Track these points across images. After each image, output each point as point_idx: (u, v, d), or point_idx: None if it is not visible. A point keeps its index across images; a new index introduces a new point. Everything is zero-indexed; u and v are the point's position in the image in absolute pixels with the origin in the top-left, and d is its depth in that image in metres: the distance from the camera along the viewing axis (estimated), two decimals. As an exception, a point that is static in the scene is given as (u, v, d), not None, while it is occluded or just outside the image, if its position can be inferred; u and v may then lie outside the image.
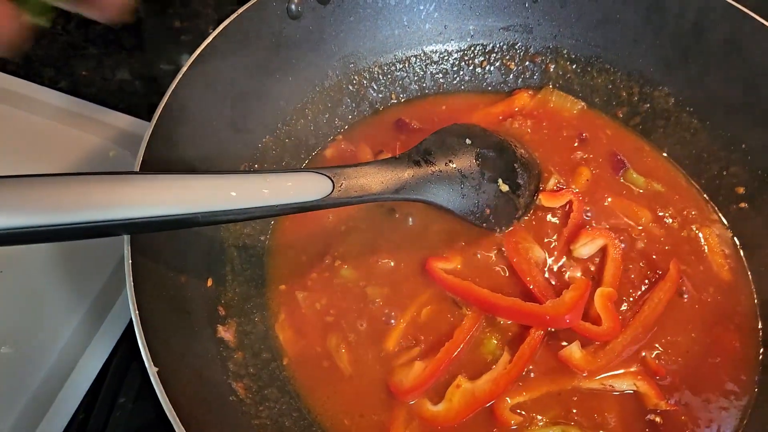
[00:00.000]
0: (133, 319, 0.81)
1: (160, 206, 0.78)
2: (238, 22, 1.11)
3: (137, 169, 0.89)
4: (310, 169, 0.95)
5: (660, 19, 1.27)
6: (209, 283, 1.04)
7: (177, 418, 0.76)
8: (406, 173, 1.05)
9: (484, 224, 1.16)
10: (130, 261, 0.84)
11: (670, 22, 1.27)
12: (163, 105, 0.98)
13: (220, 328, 1.02)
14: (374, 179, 1.00)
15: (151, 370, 0.78)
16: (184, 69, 1.03)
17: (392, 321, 1.09)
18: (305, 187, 0.92)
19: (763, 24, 1.15)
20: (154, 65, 1.59)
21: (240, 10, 1.10)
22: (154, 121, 0.96)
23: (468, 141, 1.15)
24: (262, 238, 1.17)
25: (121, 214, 0.75)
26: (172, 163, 0.99)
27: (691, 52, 1.27)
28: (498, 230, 1.18)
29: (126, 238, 0.84)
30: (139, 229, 0.81)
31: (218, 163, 1.10)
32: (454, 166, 1.11)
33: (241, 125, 1.17)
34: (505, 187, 1.16)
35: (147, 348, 0.79)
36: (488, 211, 1.15)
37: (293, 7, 1.20)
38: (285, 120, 1.25)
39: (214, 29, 1.07)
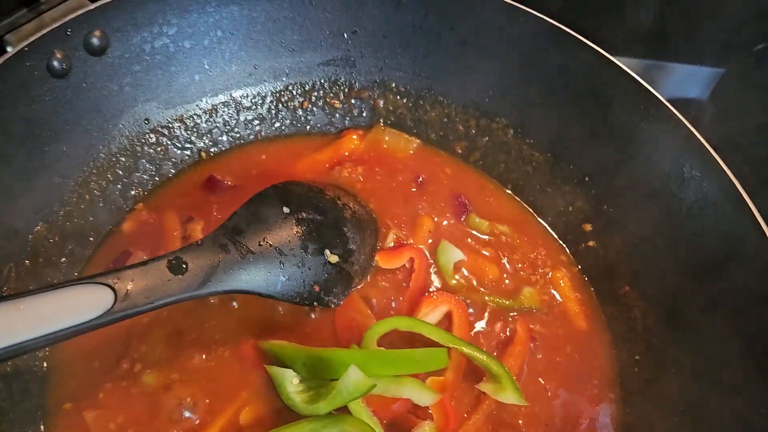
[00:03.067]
0: None
1: None
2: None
3: None
4: (83, 280, 0.76)
5: (490, 46, 1.15)
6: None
7: None
8: (211, 261, 0.87)
9: (315, 303, 1.00)
10: None
11: (500, 49, 1.15)
12: None
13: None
14: (169, 277, 0.82)
15: None
16: None
17: (199, 422, 0.92)
18: (79, 304, 0.74)
19: (596, 50, 1.06)
20: None
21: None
22: None
23: (285, 209, 0.99)
24: (39, 354, 0.95)
25: None
26: None
27: (525, 80, 1.17)
28: (333, 305, 1.02)
29: None
30: None
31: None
32: (270, 243, 0.95)
33: (1, 216, 0.94)
34: (334, 258, 1.02)
35: None
36: (317, 288, 0.99)
37: (56, 63, 0.98)
38: (63, 199, 1.03)
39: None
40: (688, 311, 1.01)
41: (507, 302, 1.10)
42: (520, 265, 1.14)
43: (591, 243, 1.16)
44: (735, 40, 1.57)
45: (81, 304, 0.74)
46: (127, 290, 0.77)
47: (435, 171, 1.24)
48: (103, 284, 0.76)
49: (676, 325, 1.03)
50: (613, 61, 1.07)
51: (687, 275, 1.03)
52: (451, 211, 1.19)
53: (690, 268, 1.03)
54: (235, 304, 1.03)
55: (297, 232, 0.98)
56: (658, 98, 1.03)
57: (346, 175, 1.19)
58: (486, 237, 1.17)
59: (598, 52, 1.08)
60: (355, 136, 1.24)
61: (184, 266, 0.84)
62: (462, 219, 1.18)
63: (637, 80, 1.05)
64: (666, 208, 1.06)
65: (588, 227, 1.16)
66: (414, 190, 1.21)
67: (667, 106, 1.03)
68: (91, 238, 1.07)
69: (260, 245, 0.94)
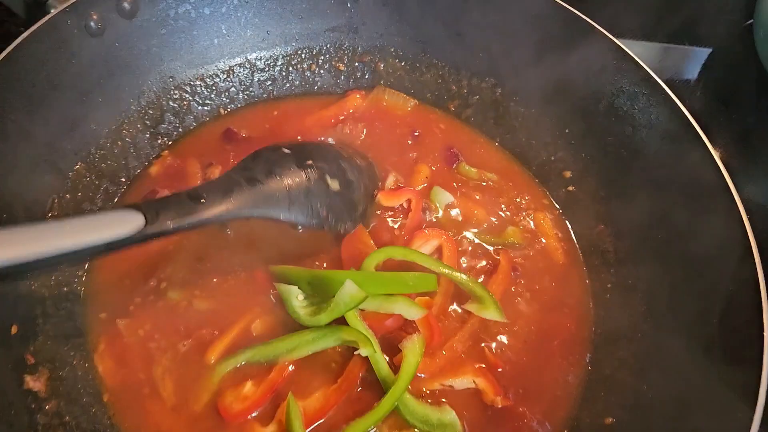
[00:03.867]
0: None
1: None
2: (28, 43, 1.02)
3: None
4: (117, 207, 0.91)
5: (477, 13, 1.28)
6: (13, 330, 0.96)
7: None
8: (225, 192, 0.98)
9: (326, 227, 1.11)
10: None
11: (487, 16, 1.27)
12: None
13: (28, 378, 0.94)
14: (189, 205, 0.94)
15: None
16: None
17: (216, 333, 1.05)
18: (116, 224, 0.85)
19: (575, 14, 1.18)
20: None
21: (30, 30, 1.02)
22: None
23: (286, 150, 1.11)
24: (79, 273, 1.10)
25: None
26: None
27: (511, 43, 1.28)
28: (342, 229, 1.14)
29: None
30: None
31: (22, 200, 1.01)
32: (276, 175, 1.06)
33: (46, 155, 1.08)
34: (335, 184, 1.12)
35: None
36: (325, 212, 1.10)
37: (92, 24, 1.13)
38: (98, 144, 1.18)
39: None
40: (653, 244, 1.12)
41: (492, 239, 1.21)
42: (504, 207, 1.26)
43: (570, 188, 1.27)
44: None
45: (118, 224, 0.85)
46: (156, 214, 0.88)
47: (430, 126, 1.36)
48: (135, 210, 0.87)
49: (643, 257, 1.14)
50: (589, 22, 1.18)
51: (654, 215, 1.14)
52: (443, 160, 1.31)
53: (657, 209, 1.13)
54: (247, 236, 1.16)
55: (299, 165, 1.09)
56: (623, 50, 1.14)
57: (348, 132, 1.32)
58: (476, 182, 1.29)
59: (576, 14, 1.19)
60: (358, 96, 1.37)
61: (203, 198, 0.95)
62: (453, 167, 1.30)
63: (608, 36, 1.17)
64: (633, 152, 1.17)
65: (568, 174, 1.27)
66: (410, 142, 1.33)
67: (633, 58, 1.15)
68: (122, 179, 1.21)
69: (267, 177, 1.05)
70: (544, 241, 1.24)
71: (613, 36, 1.17)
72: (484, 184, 1.29)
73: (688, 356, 0.98)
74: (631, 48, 1.16)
